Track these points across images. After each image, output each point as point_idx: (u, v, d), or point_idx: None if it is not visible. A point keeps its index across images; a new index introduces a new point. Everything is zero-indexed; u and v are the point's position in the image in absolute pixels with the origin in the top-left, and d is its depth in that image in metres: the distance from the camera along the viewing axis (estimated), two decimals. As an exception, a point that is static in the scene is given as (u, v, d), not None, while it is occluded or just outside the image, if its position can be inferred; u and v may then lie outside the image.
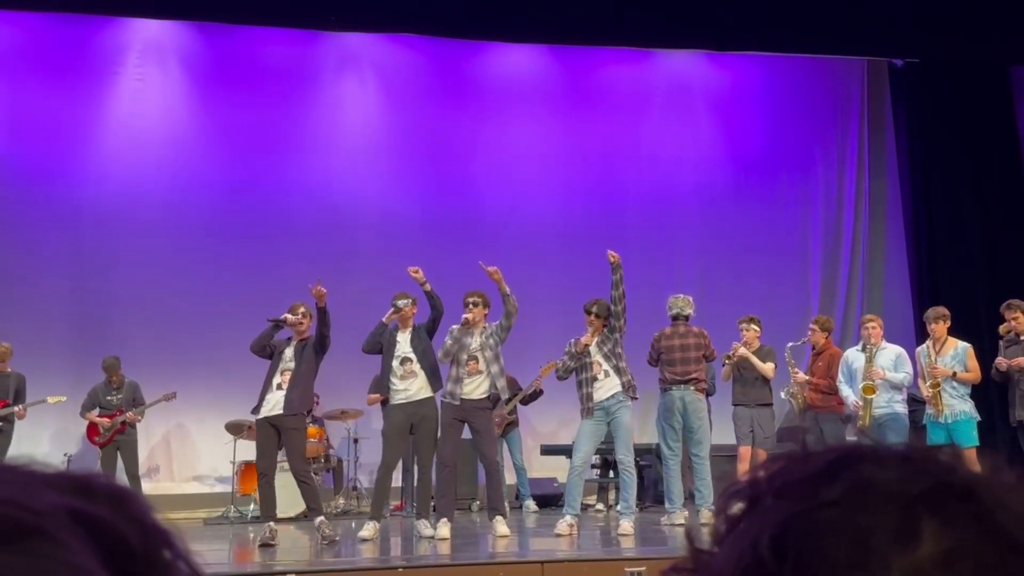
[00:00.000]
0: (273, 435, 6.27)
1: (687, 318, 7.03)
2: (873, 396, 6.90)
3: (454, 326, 6.44)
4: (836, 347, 7.65)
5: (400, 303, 6.47)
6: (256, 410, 6.32)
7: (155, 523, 0.43)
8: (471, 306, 6.38)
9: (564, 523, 6.38)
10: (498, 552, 6.10)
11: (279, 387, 6.25)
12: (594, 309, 6.56)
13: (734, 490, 0.46)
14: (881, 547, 0.41)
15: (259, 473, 6.34)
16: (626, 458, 6.48)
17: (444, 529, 6.19)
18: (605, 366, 6.46)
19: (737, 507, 0.45)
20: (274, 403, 6.23)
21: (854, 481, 0.44)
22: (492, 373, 6.31)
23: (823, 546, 0.42)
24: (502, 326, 6.35)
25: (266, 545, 6.02)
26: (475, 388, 6.30)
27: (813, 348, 7.40)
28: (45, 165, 9.34)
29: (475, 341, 6.35)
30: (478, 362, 6.32)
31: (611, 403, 6.45)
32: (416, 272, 6.35)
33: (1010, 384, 6.76)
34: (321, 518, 6.21)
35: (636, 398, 6.57)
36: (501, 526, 6.24)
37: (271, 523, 6.22)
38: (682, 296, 7.12)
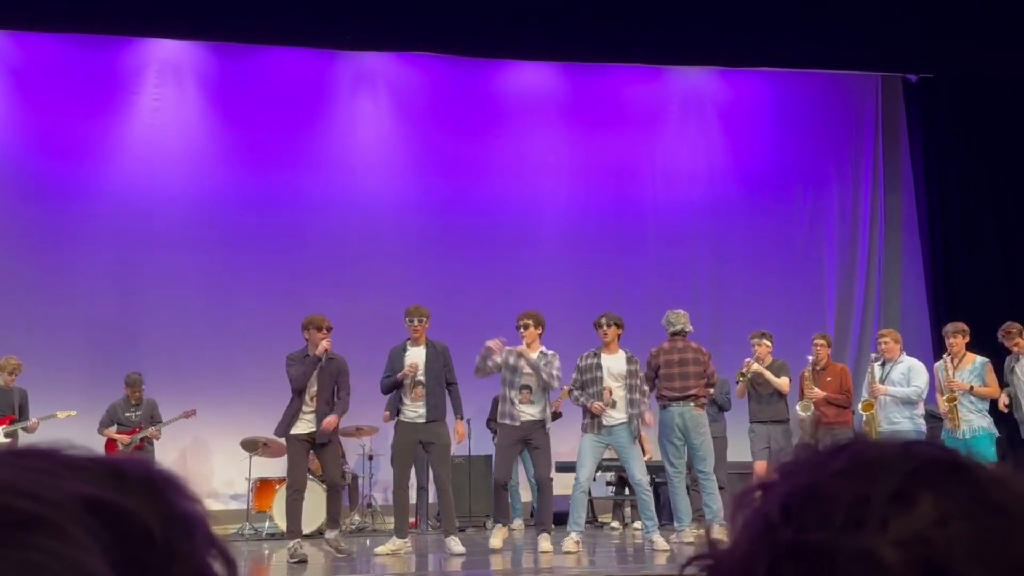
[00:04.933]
0: (307, 451, 6.45)
1: (687, 334, 6.99)
2: (871, 412, 6.87)
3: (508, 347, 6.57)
4: (839, 363, 7.66)
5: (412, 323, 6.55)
6: (287, 428, 6.38)
7: (185, 511, 0.43)
8: (523, 328, 6.52)
9: (570, 540, 6.40)
10: (512, 569, 6.09)
11: (308, 406, 6.38)
12: (603, 320, 6.63)
13: (749, 487, 0.49)
14: (879, 508, 0.44)
15: (295, 489, 6.42)
16: (642, 479, 6.51)
17: (498, 537, 6.42)
18: (620, 394, 6.49)
19: (754, 499, 0.49)
20: (310, 422, 6.35)
21: (858, 455, 0.47)
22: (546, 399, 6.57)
23: (825, 508, 0.45)
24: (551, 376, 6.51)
25: (302, 561, 6.06)
26: (527, 413, 6.50)
27: (814, 365, 7.34)
28: (65, 183, 9.45)
29: (526, 366, 6.49)
30: (531, 392, 6.45)
31: (617, 428, 6.51)
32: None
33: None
34: (337, 532, 6.27)
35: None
36: (544, 542, 6.42)
37: (299, 539, 6.27)
38: (681, 312, 7.06)
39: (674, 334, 6.89)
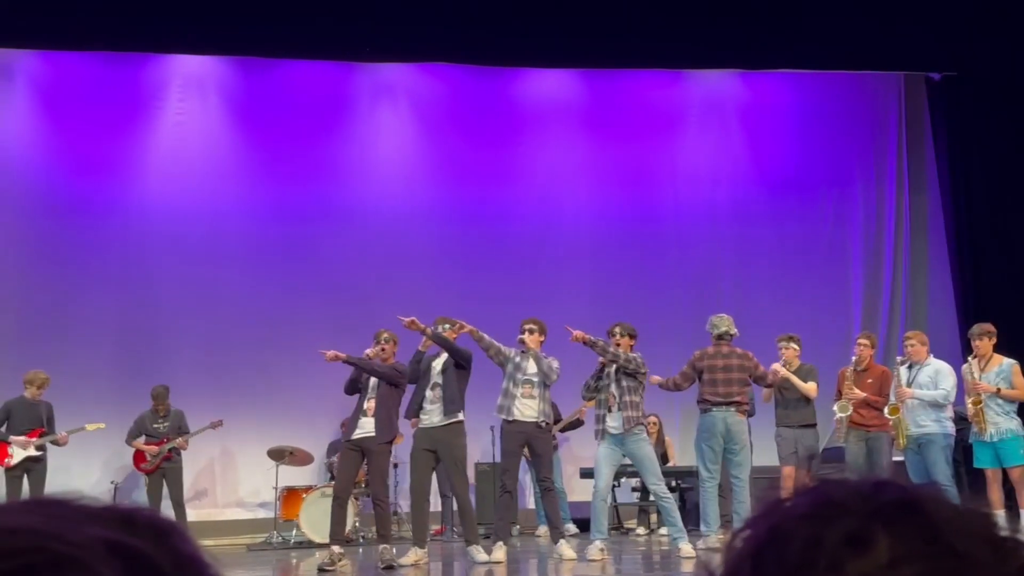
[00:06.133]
0: (356, 459, 6.49)
1: (732, 338, 6.94)
2: (898, 416, 6.78)
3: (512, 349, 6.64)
4: (881, 365, 7.54)
5: (439, 328, 6.56)
6: (348, 435, 6.48)
7: (191, 554, 0.47)
8: (527, 332, 6.56)
9: (595, 548, 6.37)
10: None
11: (365, 413, 6.42)
12: (616, 330, 6.61)
13: (738, 529, 0.51)
14: (834, 552, 0.45)
15: (334, 495, 6.51)
16: (658, 487, 6.50)
17: (500, 553, 6.28)
18: (618, 399, 6.50)
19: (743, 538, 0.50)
20: (365, 428, 6.39)
21: (819, 498, 0.49)
22: (545, 399, 6.55)
23: (782, 551, 0.46)
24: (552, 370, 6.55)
25: (323, 570, 6.09)
26: (528, 410, 6.48)
27: (856, 365, 7.23)
28: (91, 198, 9.60)
29: (531, 366, 6.50)
30: (532, 387, 6.43)
31: (624, 435, 6.48)
32: (411, 322, 6.38)
33: None
34: (386, 545, 6.30)
35: (638, 431, 6.56)
36: (567, 549, 6.36)
37: (337, 547, 6.30)
38: (725, 315, 6.99)
39: (719, 337, 6.84)
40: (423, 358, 6.59)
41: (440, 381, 6.48)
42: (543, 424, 6.52)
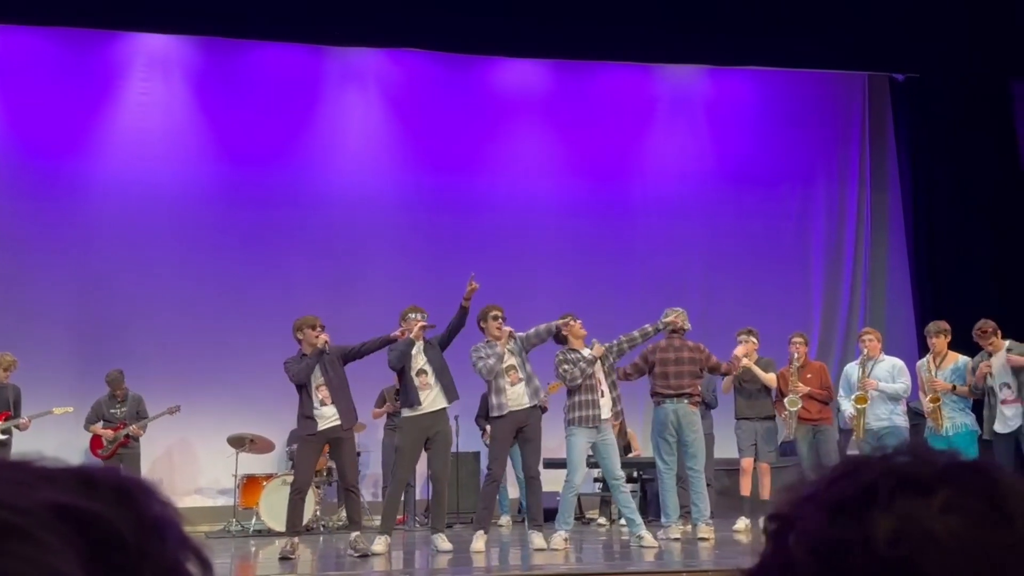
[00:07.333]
0: (318, 450, 6.47)
1: (685, 332, 7.00)
2: (865, 406, 6.93)
3: (479, 344, 6.50)
4: (816, 361, 7.79)
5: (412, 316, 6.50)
6: (311, 428, 6.31)
7: (157, 515, 0.44)
8: (502, 320, 6.50)
9: (559, 537, 6.37)
10: (500, 566, 6.12)
11: (323, 403, 6.30)
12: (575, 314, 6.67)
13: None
14: (890, 492, 0.48)
15: (296, 488, 6.41)
16: (622, 474, 6.55)
17: (479, 542, 6.27)
18: (604, 383, 6.50)
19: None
20: (328, 417, 6.28)
21: (886, 466, 0.50)
22: (530, 376, 6.48)
23: (834, 489, 0.49)
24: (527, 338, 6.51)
25: (285, 558, 6.07)
26: (521, 396, 6.43)
27: (791, 362, 7.39)
28: (50, 179, 9.40)
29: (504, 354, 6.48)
30: (517, 371, 6.41)
31: (604, 423, 6.49)
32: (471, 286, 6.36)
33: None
34: (358, 533, 6.27)
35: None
36: (537, 539, 6.33)
37: (296, 538, 6.27)
38: (680, 309, 7.07)
39: (672, 331, 6.92)
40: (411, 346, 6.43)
41: (427, 368, 6.41)
42: (541, 406, 6.46)
